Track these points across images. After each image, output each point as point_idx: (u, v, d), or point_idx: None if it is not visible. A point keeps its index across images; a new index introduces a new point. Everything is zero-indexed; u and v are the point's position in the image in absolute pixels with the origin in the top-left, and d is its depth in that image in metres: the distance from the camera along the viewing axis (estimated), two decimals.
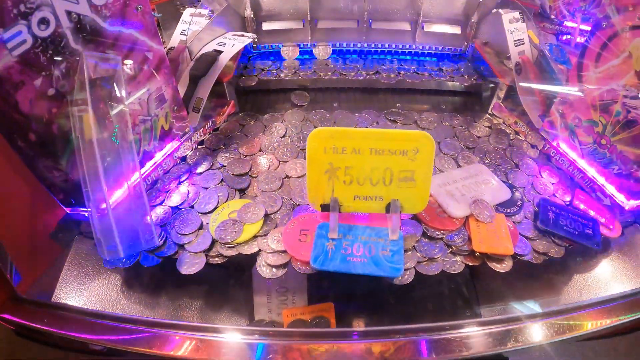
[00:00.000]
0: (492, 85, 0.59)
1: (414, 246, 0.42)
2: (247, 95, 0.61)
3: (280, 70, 0.59)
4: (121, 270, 0.47)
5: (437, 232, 0.43)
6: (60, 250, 0.48)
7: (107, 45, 0.40)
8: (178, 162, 0.51)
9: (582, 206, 0.48)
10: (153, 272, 0.46)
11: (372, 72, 0.57)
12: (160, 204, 0.47)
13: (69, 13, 0.36)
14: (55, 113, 0.39)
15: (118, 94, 0.40)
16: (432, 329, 0.38)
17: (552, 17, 0.55)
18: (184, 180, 0.49)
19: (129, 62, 0.42)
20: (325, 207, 0.41)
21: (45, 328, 0.42)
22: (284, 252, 0.41)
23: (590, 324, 0.39)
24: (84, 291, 0.45)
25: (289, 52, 0.58)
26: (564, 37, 0.57)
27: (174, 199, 0.47)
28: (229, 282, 0.48)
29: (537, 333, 0.38)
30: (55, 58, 0.37)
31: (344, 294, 0.47)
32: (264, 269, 0.41)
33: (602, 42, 0.44)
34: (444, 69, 0.59)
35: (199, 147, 0.53)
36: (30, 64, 0.36)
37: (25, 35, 0.34)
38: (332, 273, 0.41)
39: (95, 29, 0.39)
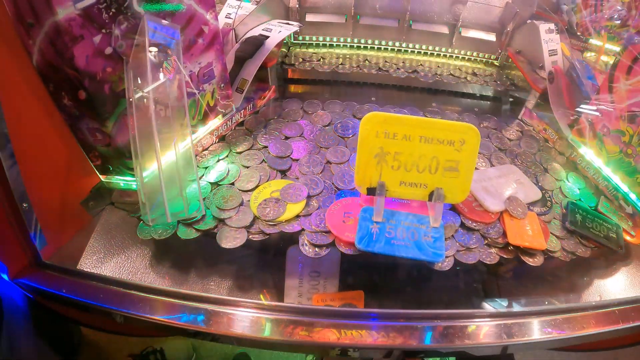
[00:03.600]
0: (516, 94, 0.59)
1: (452, 235, 0.41)
2: (285, 81, 0.59)
3: (323, 61, 0.58)
4: (151, 243, 0.44)
5: (474, 224, 0.42)
6: (90, 218, 0.45)
7: (167, 12, 0.38)
8: (216, 140, 0.49)
9: (605, 212, 0.48)
10: (183, 248, 0.43)
11: (410, 71, 0.56)
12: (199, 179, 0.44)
13: None
14: (109, 73, 0.36)
15: (175, 61, 0.38)
16: (442, 316, 0.37)
17: (579, 34, 0.56)
18: (224, 158, 0.47)
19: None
20: (371, 191, 0.40)
21: (65, 295, 0.39)
22: (327, 232, 0.39)
23: (597, 325, 0.39)
24: (110, 262, 0.42)
25: None
26: (588, 54, 0.58)
27: (213, 175, 0.44)
28: (259, 263, 0.45)
29: (537, 330, 0.37)
30: (117, 17, 0.35)
31: (375, 281, 0.45)
32: (306, 247, 0.39)
33: (634, 56, 0.45)
34: (478, 73, 0.59)
35: (237, 127, 0.51)
36: (92, 20, 0.34)
37: None
38: (366, 259, 0.39)
39: None
